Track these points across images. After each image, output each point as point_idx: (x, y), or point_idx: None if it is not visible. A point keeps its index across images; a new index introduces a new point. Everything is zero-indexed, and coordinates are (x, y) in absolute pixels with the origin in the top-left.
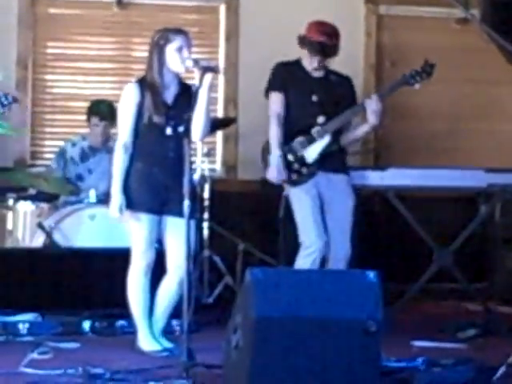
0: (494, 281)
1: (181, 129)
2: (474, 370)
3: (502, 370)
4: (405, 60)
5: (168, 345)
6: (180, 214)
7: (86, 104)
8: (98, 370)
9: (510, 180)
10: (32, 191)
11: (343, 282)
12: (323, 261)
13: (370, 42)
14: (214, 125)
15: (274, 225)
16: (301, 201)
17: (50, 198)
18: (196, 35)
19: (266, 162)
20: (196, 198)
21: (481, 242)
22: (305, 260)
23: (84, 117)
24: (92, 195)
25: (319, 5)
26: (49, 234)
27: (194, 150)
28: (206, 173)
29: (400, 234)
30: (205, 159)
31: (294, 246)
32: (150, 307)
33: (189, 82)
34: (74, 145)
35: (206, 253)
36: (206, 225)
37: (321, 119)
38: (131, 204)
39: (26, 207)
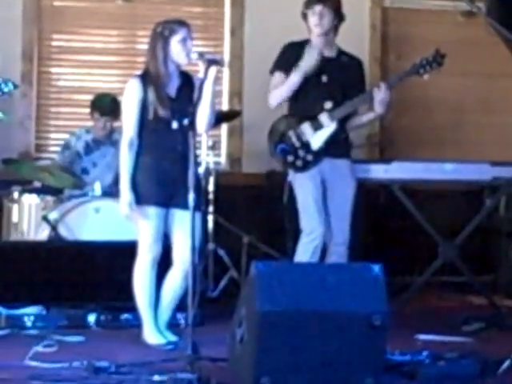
0: (498, 274)
1: (186, 122)
2: (479, 364)
3: (506, 363)
4: (410, 53)
5: (173, 338)
6: (186, 206)
7: (91, 97)
8: (103, 363)
9: None
10: (37, 184)
11: (348, 276)
12: (324, 248)
13: (375, 35)
14: (219, 118)
15: (278, 218)
16: (303, 187)
17: (55, 191)
18: (201, 28)
19: (272, 149)
20: (201, 190)
21: (486, 236)
22: (306, 247)
23: (89, 109)
24: (97, 188)
25: None
26: (54, 227)
27: (199, 143)
28: (211, 166)
29: (405, 228)
30: (209, 152)
31: (298, 232)
32: (155, 300)
33: (190, 71)
34: (78, 138)
35: (211, 246)
36: (210, 218)
37: (328, 105)
38: (139, 198)
39: (31, 200)
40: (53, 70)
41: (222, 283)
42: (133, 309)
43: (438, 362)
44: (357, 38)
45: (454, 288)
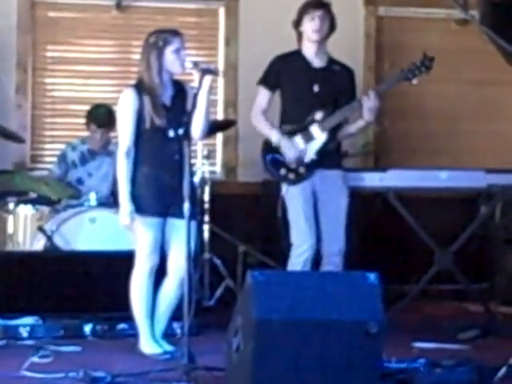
0: (494, 281)
1: (181, 131)
2: (475, 371)
3: (502, 370)
4: (404, 61)
5: (169, 348)
6: (182, 216)
7: (86, 107)
8: (99, 374)
9: (510, 180)
10: (33, 195)
11: (344, 284)
12: (316, 261)
13: (369, 44)
14: (214, 127)
15: (274, 227)
16: (294, 200)
17: (50, 202)
18: (195, 38)
19: (265, 162)
20: (196, 200)
21: (481, 243)
22: (296, 260)
23: (84, 120)
24: (92, 198)
25: None
26: (49, 238)
27: (194, 152)
28: (207, 175)
29: (400, 236)
30: (205, 161)
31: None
32: (151, 310)
33: (182, 80)
34: (73, 148)
35: (207, 255)
36: (206, 227)
37: (319, 115)
38: (139, 209)
39: (26, 211)
40: (47, 80)
41: (218, 292)
42: (129, 318)
43: (435, 369)
44: (351, 46)
45: (450, 295)
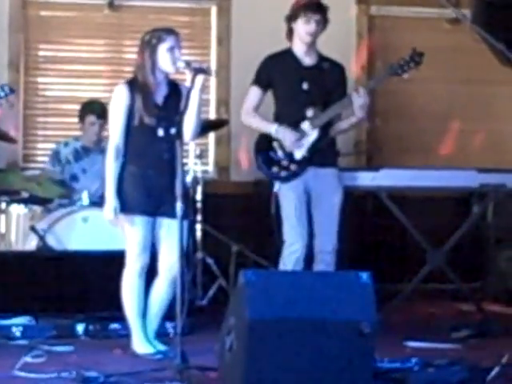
0: (487, 281)
1: (172, 130)
2: (468, 371)
3: (495, 370)
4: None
5: (162, 347)
6: (174, 215)
7: (79, 106)
8: (92, 373)
9: (502, 180)
10: (25, 194)
11: (336, 284)
12: (309, 258)
13: (361, 43)
14: (206, 126)
15: (267, 226)
16: (286, 198)
17: (42, 201)
18: (188, 37)
19: (257, 160)
20: (188, 199)
21: (474, 242)
22: (287, 259)
23: (76, 119)
24: (85, 197)
25: None
26: (42, 237)
27: (187, 151)
28: (199, 174)
29: (393, 235)
30: (197, 161)
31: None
32: (143, 309)
33: (178, 80)
34: (66, 145)
35: (200, 255)
36: (199, 227)
37: (310, 113)
38: (126, 207)
39: (18, 210)
40: (39, 79)
41: (211, 292)
42: (121, 318)
43: (427, 368)
44: (343, 45)
45: (442, 295)
